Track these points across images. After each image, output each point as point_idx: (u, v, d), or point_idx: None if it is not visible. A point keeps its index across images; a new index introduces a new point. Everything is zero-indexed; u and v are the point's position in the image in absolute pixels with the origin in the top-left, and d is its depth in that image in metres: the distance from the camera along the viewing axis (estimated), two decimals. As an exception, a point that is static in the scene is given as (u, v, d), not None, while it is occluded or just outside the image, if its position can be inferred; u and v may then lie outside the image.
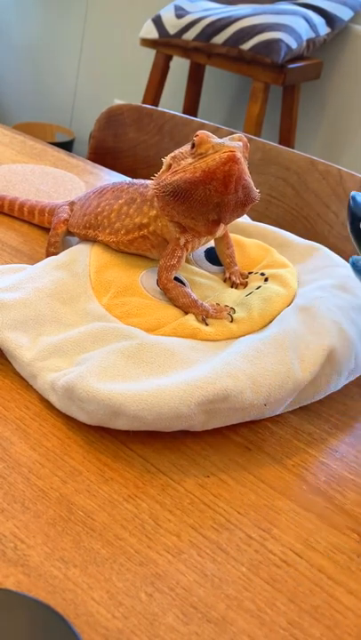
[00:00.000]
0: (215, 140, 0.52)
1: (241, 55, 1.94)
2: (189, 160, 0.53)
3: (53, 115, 2.90)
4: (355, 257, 0.53)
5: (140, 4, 2.51)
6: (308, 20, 1.97)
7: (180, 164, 0.54)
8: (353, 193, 0.55)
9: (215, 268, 0.63)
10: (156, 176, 0.58)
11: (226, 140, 0.53)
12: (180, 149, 0.55)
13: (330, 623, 0.39)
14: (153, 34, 2.07)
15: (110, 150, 1.04)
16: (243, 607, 0.39)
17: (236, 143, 0.52)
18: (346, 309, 0.57)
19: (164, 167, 0.57)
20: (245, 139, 0.54)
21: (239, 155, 0.51)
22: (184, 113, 2.33)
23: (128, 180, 0.63)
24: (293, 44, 1.90)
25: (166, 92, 2.33)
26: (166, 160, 0.56)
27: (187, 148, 0.54)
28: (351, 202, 0.54)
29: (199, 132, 0.53)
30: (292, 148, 2.19)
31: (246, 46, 1.91)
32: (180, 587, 0.39)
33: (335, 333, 0.54)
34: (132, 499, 0.44)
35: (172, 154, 0.56)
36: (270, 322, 0.56)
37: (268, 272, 0.61)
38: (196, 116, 2.28)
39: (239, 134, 0.55)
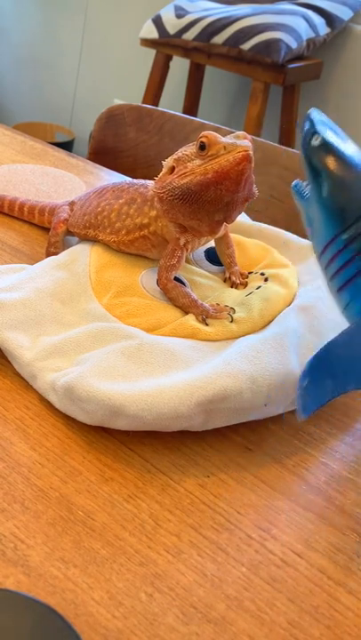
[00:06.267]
0: (224, 139, 0.52)
1: (241, 55, 1.94)
2: (198, 162, 0.53)
3: (53, 115, 2.90)
4: (297, 181, 0.52)
5: (140, 4, 2.51)
6: (308, 20, 1.96)
7: (186, 167, 0.54)
8: (311, 111, 0.52)
9: (215, 267, 0.63)
10: (156, 178, 0.57)
11: (233, 139, 0.53)
12: (183, 151, 0.55)
13: (330, 623, 0.38)
14: (153, 34, 2.07)
15: (110, 150, 1.04)
16: (243, 607, 0.39)
17: (245, 142, 0.52)
18: (346, 309, 0.57)
19: (165, 170, 0.56)
20: (250, 136, 0.54)
21: (252, 154, 0.51)
22: (184, 113, 2.33)
23: (128, 180, 0.63)
24: (293, 44, 1.90)
25: (166, 92, 2.33)
26: (168, 162, 0.56)
27: (191, 149, 0.54)
28: (308, 117, 0.51)
29: (206, 134, 0.53)
30: (293, 147, 2.18)
31: (246, 46, 1.91)
32: (180, 587, 0.39)
33: (335, 333, 0.54)
34: (132, 499, 0.44)
35: (175, 156, 0.55)
36: (270, 322, 0.56)
37: (268, 272, 0.61)
38: (196, 116, 2.28)
39: (243, 132, 0.55)
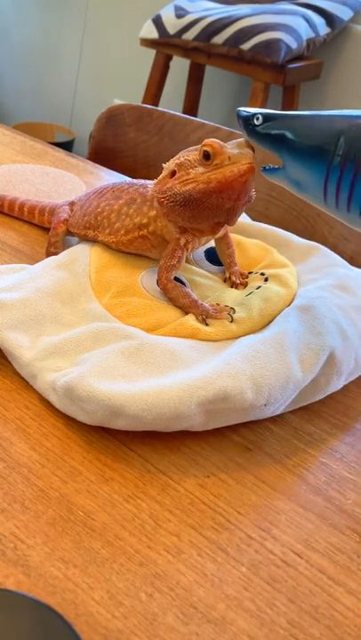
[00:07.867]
0: (229, 149, 0.53)
1: (241, 55, 1.94)
2: (201, 170, 0.53)
3: (53, 115, 2.90)
4: (262, 168, 0.55)
5: (140, 4, 2.51)
6: (308, 20, 1.96)
7: (189, 174, 0.54)
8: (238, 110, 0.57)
9: (215, 267, 0.63)
10: (156, 180, 0.57)
11: (236, 149, 0.53)
12: (185, 156, 0.55)
13: (330, 623, 0.39)
14: (153, 34, 2.07)
15: (110, 150, 1.04)
16: (243, 607, 0.39)
17: (248, 151, 0.52)
18: (346, 309, 0.57)
19: (165, 173, 0.56)
20: (251, 143, 0.54)
21: (254, 165, 0.52)
22: (184, 113, 2.33)
23: (128, 180, 0.63)
24: (293, 44, 1.90)
25: (166, 92, 2.33)
26: (169, 166, 0.56)
27: (194, 155, 0.54)
28: (239, 116, 0.55)
29: (210, 142, 0.53)
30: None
31: (246, 46, 1.91)
32: (180, 587, 0.39)
33: (335, 334, 0.54)
34: (132, 499, 0.44)
35: (177, 160, 0.55)
36: (270, 322, 0.56)
37: (268, 272, 0.61)
38: (196, 116, 2.28)
39: (243, 139, 0.55)
